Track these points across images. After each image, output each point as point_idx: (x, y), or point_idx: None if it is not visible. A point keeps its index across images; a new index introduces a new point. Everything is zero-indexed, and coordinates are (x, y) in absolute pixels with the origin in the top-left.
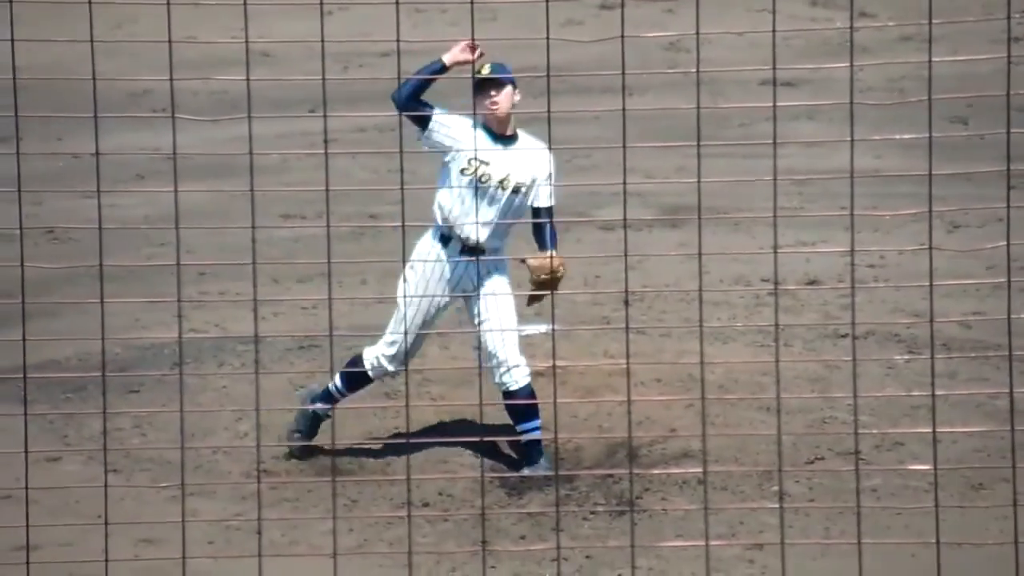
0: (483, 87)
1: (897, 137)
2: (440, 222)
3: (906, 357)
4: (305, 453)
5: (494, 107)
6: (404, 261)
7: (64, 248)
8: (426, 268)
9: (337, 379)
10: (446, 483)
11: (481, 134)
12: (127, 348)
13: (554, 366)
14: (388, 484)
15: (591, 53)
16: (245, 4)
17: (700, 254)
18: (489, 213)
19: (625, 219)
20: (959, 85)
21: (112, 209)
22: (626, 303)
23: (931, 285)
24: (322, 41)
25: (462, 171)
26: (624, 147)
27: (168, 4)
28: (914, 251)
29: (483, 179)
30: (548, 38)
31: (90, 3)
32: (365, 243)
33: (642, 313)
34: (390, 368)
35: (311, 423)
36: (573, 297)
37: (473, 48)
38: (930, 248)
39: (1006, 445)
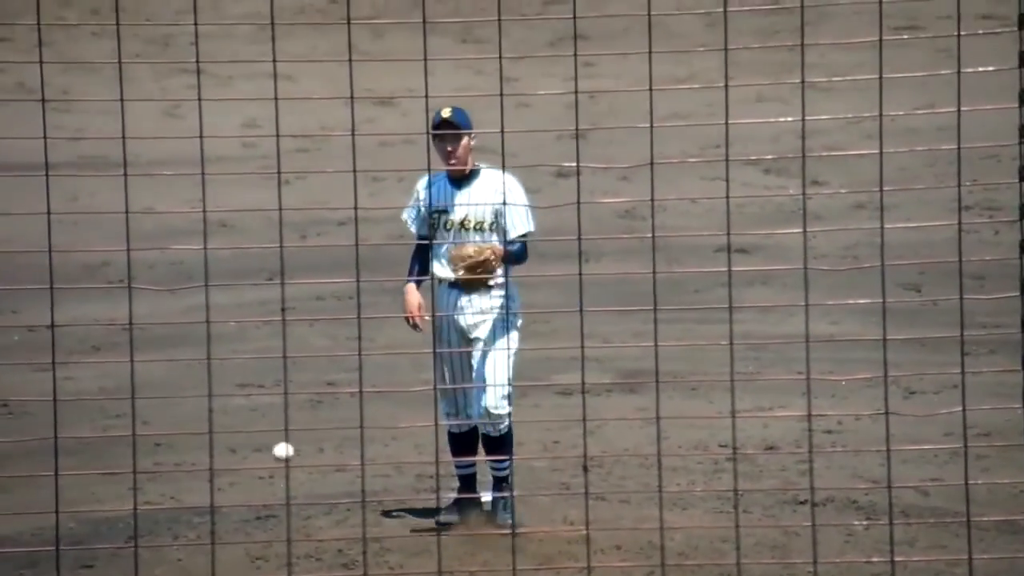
0: (441, 138)
1: (851, 303)
2: (434, 274)
3: (865, 523)
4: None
5: (453, 163)
6: (362, 427)
7: (18, 422)
8: (441, 321)
9: (457, 466)
10: None
11: (443, 183)
12: (81, 522)
13: (513, 533)
14: None
15: (548, 219)
16: (203, 174)
17: (658, 419)
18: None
19: (583, 383)
20: (912, 252)
21: (67, 381)
22: (585, 469)
23: (888, 450)
24: (279, 209)
25: (431, 226)
26: (581, 312)
27: (125, 175)
28: (871, 416)
29: (447, 226)
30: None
31: (47, 175)
32: (323, 411)
33: (601, 479)
34: (467, 413)
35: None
36: (531, 463)
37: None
38: (887, 413)
39: None
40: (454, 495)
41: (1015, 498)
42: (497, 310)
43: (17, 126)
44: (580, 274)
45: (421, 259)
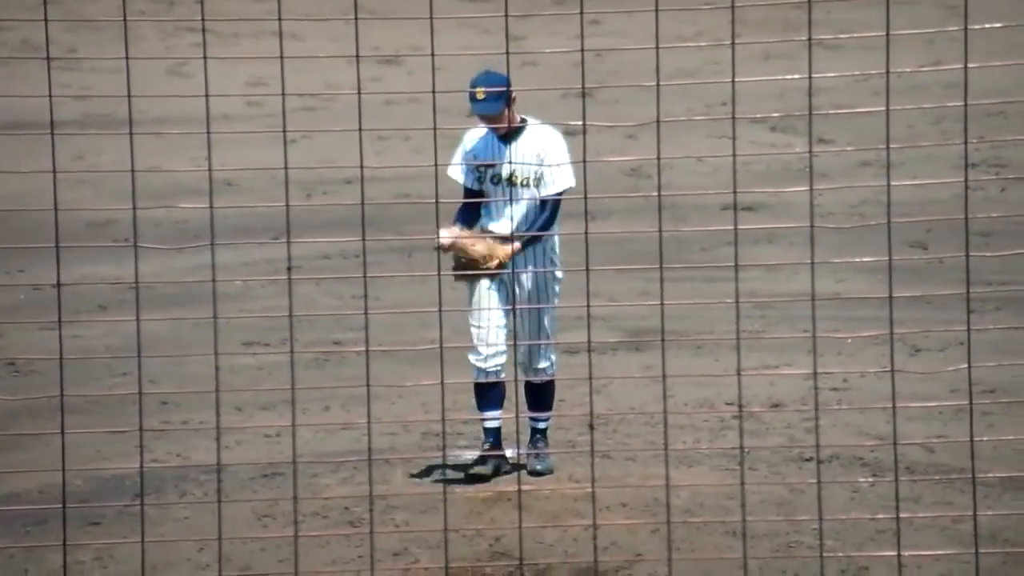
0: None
1: (857, 260)
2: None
3: (870, 480)
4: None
5: (495, 128)
6: (368, 385)
7: (25, 380)
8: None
9: (482, 418)
10: None
11: (491, 136)
12: (88, 480)
13: (519, 491)
14: None
15: None
16: (208, 133)
17: (664, 377)
18: (515, 210)
19: (589, 342)
20: (918, 210)
21: (74, 340)
22: (591, 427)
23: (894, 408)
24: (285, 168)
25: (478, 179)
26: (587, 270)
27: (131, 134)
28: (877, 374)
29: (495, 180)
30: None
31: (52, 134)
32: (329, 369)
33: (607, 436)
34: (500, 361)
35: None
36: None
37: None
38: (892, 371)
39: (971, 569)
40: (478, 452)
41: (1020, 454)
42: (540, 264)
43: (23, 84)
44: (586, 232)
45: (468, 212)
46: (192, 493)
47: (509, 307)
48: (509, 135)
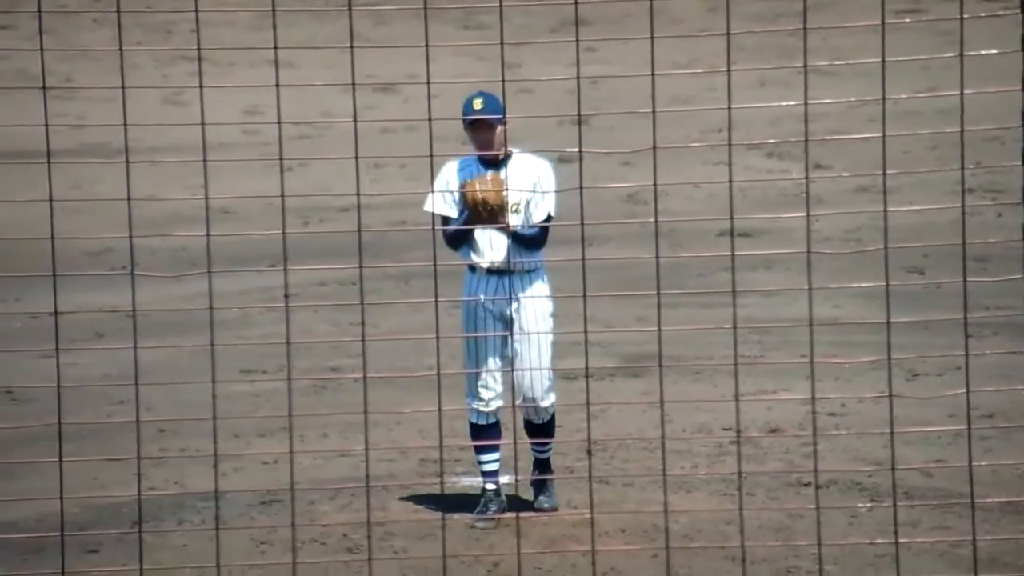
0: (475, 128)
1: (855, 286)
2: (469, 257)
3: (869, 505)
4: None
5: (488, 151)
6: (366, 412)
7: (22, 408)
8: (474, 306)
9: (480, 461)
10: None
11: (475, 166)
12: (85, 508)
13: (517, 517)
14: None
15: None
16: (205, 161)
17: (662, 402)
18: (501, 237)
19: (587, 368)
20: (915, 235)
21: (71, 368)
22: (589, 452)
23: (892, 433)
24: (282, 196)
25: (461, 209)
26: (584, 296)
27: (127, 162)
28: (875, 399)
29: (481, 204)
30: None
31: (48, 163)
32: (327, 396)
33: (605, 462)
34: (499, 404)
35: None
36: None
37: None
38: (890, 396)
39: None
40: (480, 484)
41: (1019, 479)
42: (533, 297)
43: (19, 114)
44: (583, 259)
45: (455, 243)
46: (190, 520)
47: (506, 336)
48: (496, 163)
